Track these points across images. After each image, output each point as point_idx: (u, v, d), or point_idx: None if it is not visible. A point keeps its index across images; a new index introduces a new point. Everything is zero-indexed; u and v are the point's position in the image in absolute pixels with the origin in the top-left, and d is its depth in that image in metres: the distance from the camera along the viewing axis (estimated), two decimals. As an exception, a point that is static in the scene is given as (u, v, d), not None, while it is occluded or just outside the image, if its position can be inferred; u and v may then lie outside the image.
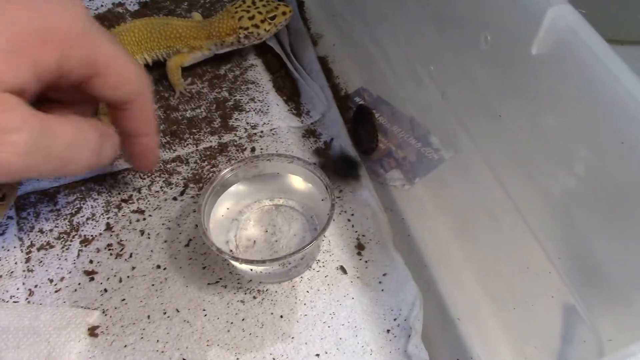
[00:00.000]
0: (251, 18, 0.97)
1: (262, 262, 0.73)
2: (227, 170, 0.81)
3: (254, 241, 0.81)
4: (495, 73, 0.70)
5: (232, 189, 0.83)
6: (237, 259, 0.72)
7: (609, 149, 0.55)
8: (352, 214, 0.86)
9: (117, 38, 0.98)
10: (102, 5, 1.15)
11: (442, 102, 0.90)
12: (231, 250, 0.80)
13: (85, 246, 0.84)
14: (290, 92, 0.99)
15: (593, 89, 0.55)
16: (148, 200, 0.88)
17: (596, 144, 0.57)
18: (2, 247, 0.85)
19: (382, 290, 0.79)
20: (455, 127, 0.92)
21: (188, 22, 1.00)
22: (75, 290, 0.80)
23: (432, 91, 0.92)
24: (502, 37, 0.67)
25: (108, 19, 1.12)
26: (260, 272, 0.77)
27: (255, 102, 0.98)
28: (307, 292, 0.79)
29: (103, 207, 0.88)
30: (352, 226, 0.85)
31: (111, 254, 0.83)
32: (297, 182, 0.83)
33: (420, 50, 0.93)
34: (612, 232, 0.57)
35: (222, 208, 0.82)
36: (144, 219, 0.86)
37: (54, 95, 0.67)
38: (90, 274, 0.81)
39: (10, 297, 0.80)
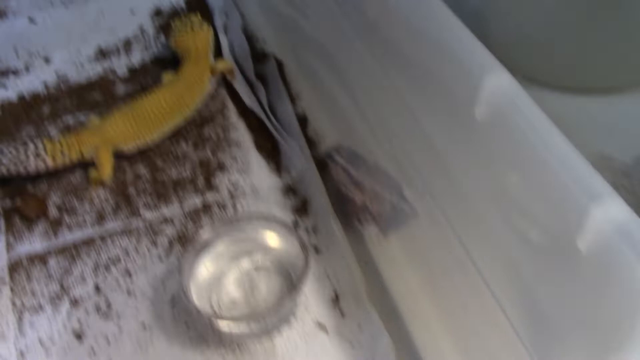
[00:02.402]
0: None
1: (240, 319, 0.77)
2: (207, 231, 0.86)
3: (235, 301, 0.85)
4: (449, 136, 0.75)
5: (213, 249, 0.87)
6: (216, 317, 0.76)
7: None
8: (328, 268, 0.90)
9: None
10: (93, 71, 1.21)
11: (408, 162, 0.95)
12: (214, 310, 0.83)
13: (75, 308, 0.88)
14: (271, 151, 1.04)
15: (529, 155, 0.59)
16: (135, 261, 0.92)
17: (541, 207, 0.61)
18: (-4, 311, 0.89)
19: (358, 342, 0.82)
20: (418, 183, 0.97)
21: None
22: (65, 351, 0.84)
23: (399, 150, 0.97)
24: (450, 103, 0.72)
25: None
26: (240, 329, 0.81)
27: (237, 162, 1.03)
28: (286, 347, 0.82)
29: (92, 268, 0.92)
30: (329, 280, 0.89)
31: (98, 315, 0.87)
32: (275, 241, 0.87)
33: (389, 113, 0.98)
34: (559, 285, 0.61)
35: (203, 268, 0.86)
36: (131, 280, 0.90)
37: None
38: (79, 335, 0.85)
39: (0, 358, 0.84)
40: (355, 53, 1.07)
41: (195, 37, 1.14)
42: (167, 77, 1.12)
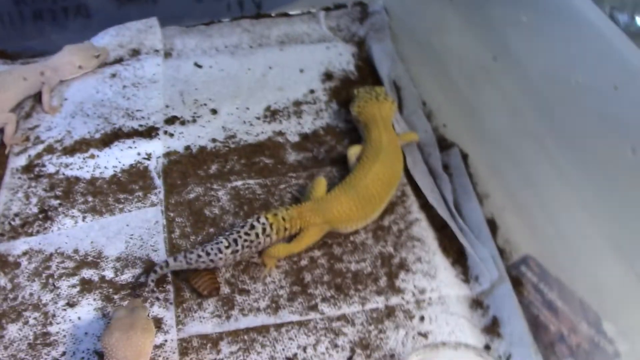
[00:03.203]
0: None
1: None
2: (413, 355, 0.79)
3: None
4: None
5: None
6: None
7: None
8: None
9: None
10: (262, 132, 1.16)
11: (625, 283, 0.86)
12: None
13: (250, 407, 0.82)
14: (457, 255, 0.97)
15: None
16: (314, 362, 0.86)
17: None
18: (167, 396, 0.84)
19: None
20: (620, 318, 0.88)
21: None
22: None
23: (612, 270, 0.89)
24: None
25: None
26: None
27: (422, 263, 0.96)
28: None
29: (267, 363, 0.86)
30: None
31: (277, 421, 0.81)
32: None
33: (596, 218, 0.90)
34: None
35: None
36: (310, 385, 0.84)
37: None
38: None
39: None
40: (554, 159, 1.00)
41: (380, 107, 1.09)
42: (353, 150, 1.06)
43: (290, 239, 0.96)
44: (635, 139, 0.80)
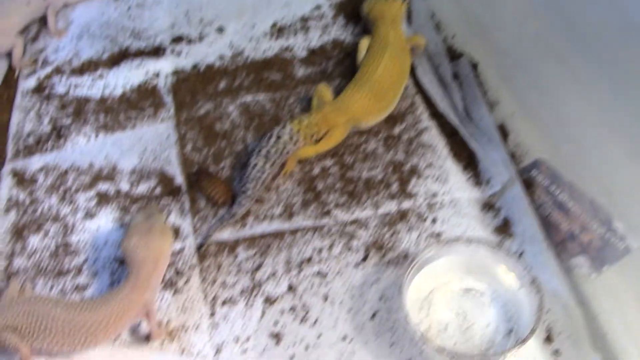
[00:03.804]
0: None
1: (465, 356, 0.72)
2: (426, 250, 0.81)
3: (446, 325, 0.80)
4: None
5: (425, 268, 0.82)
6: (441, 350, 0.72)
7: None
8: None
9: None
10: (269, 49, 1.16)
11: (636, 182, 0.87)
12: (422, 334, 0.79)
13: (269, 306, 0.85)
14: (468, 160, 0.98)
15: None
16: (329, 264, 0.88)
17: None
18: (187, 298, 0.86)
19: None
20: (632, 214, 0.89)
21: None
22: (263, 351, 0.81)
23: (622, 170, 0.89)
24: None
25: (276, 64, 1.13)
26: (451, 358, 0.76)
27: (433, 168, 0.97)
28: (497, 382, 0.77)
29: (284, 265, 0.88)
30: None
31: (295, 318, 0.84)
32: (492, 268, 0.82)
33: (607, 119, 0.90)
34: None
35: (413, 287, 0.81)
36: (326, 284, 0.86)
37: None
38: (276, 337, 0.82)
39: (198, 353, 0.81)
40: (562, 60, 0.99)
41: (390, 6, 1.09)
42: (364, 42, 1.07)
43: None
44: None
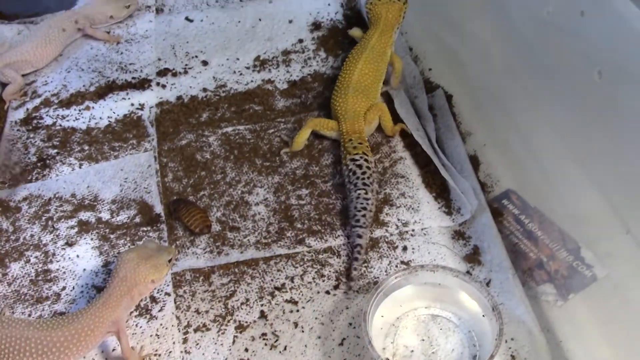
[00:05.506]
0: None
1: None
2: (392, 277, 0.83)
3: (412, 350, 0.81)
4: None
5: (391, 295, 0.84)
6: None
7: None
8: (505, 329, 0.85)
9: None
10: (252, 81, 1.19)
11: (603, 213, 0.89)
12: (387, 359, 0.80)
13: (241, 332, 0.87)
14: (440, 189, 1.00)
15: None
16: (301, 291, 0.90)
17: None
18: (161, 325, 0.88)
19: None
20: (599, 244, 0.91)
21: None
22: (232, 379, 0.83)
23: (590, 200, 0.91)
24: None
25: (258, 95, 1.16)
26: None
27: (405, 198, 0.99)
28: (462, 409, 0.78)
29: (257, 292, 0.90)
30: (505, 342, 0.84)
31: (266, 344, 0.85)
32: (458, 295, 0.84)
33: (578, 153, 0.93)
34: None
35: (380, 313, 0.83)
36: (297, 311, 0.88)
37: None
38: (246, 364, 0.84)
39: (170, 379, 0.83)
40: (531, 94, 1.02)
41: (389, 8, 1.13)
42: (355, 33, 1.20)
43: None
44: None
